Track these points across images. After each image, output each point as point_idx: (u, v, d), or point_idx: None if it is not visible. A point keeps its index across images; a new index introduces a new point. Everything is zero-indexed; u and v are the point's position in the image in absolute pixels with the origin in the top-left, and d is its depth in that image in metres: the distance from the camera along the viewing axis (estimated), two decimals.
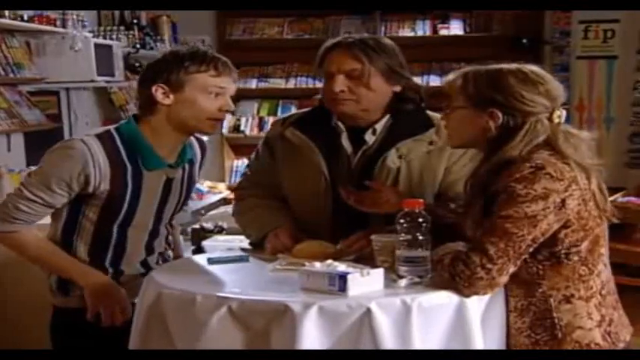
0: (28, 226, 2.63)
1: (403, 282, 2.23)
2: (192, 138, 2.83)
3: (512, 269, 2.20)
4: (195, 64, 2.62)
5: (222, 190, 6.53)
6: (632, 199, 5.92)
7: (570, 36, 6.95)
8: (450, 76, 2.45)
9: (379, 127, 2.78)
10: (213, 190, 6.54)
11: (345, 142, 2.80)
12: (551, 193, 2.17)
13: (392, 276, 2.26)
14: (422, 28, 7.07)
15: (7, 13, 4.80)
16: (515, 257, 2.19)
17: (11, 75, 4.98)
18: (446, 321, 2.15)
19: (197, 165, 2.93)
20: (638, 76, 6.76)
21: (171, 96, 2.62)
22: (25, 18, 5.02)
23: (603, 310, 2.32)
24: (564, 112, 2.34)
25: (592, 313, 2.29)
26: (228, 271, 2.50)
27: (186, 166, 2.83)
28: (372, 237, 2.45)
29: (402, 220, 2.26)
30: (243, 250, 2.87)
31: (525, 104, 2.29)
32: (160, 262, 2.86)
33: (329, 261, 2.28)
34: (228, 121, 7.13)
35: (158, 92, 2.62)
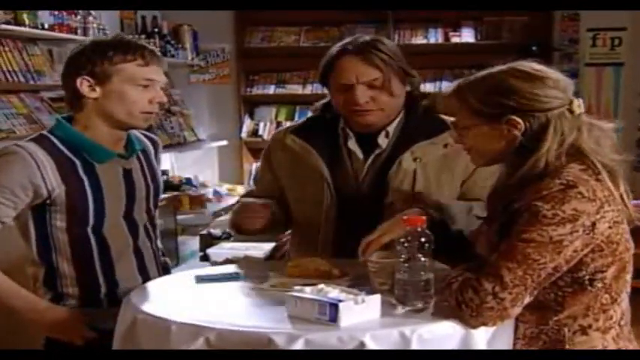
0: None
1: (403, 309, 1.82)
2: (136, 132, 2.46)
3: (527, 300, 1.78)
4: (120, 54, 2.25)
5: (241, 192, 6.17)
6: None
7: (578, 43, 6.61)
8: (444, 95, 2.03)
9: (391, 129, 2.47)
10: (231, 193, 6.30)
11: (354, 146, 2.47)
12: (581, 216, 1.74)
13: (391, 300, 1.85)
14: (434, 36, 6.68)
15: (27, 21, 4.49)
16: (533, 287, 1.77)
17: (31, 82, 4.66)
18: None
19: (152, 157, 2.53)
20: None
21: (98, 89, 2.25)
22: (46, 27, 4.69)
23: (620, 343, 1.89)
24: (582, 101, 1.90)
25: (608, 347, 1.87)
26: (214, 292, 2.09)
27: (141, 157, 2.45)
28: (369, 258, 2.04)
29: (402, 240, 1.85)
30: (248, 257, 2.47)
31: (540, 101, 1.86)
32: (160, 270, 2.46)
33: (321, 285, 1.85)
34: (247, 125, 6.82)
35: (83, 85, 2.25)
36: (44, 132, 2.34)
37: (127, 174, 2.37)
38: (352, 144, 2.46)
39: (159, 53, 2.36)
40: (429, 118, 2.47)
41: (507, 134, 1.88)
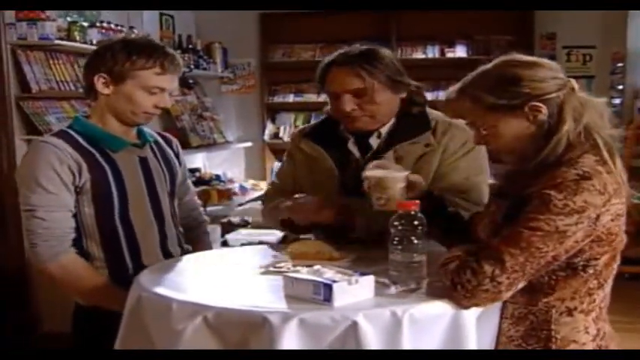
0: (67, 251, 1.99)
1: (396, 289, 1.57)
2: (151, 130, 2.25)
3: (520, 285, 1.51)
4: (142, 59, 2.01)
5: (264, 187, 5.97)
6: None
7: (555, 59, 6.25)
8: (449, 103, 1.71)
9: (384, 131, 2.18)
10: (255, 187, 6.10)
11: (353, 148, 2.20)
12: (589, 208, 1.47)
13: (385, 281, 1.60)
14: (432, 52, 6.42)
15: (77, 38, 4.30)
16: (530, 274, 1.50)
17: (81, 90, 4.44)
18: (440, 334, 1.48)
19: (168, 151, 2.28)
20: (611, 93, 6.22)
21: (111, 87, 2.02)
22: (94, 42, 4.48)
23: (600, 324, 1.64)
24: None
25: (589, 327, 1.61)
26: (217, 274, 1.84)
27: (154, 148, 2.21)
28: (365, 174, 1.81)
29: (396, 223, 1.59)
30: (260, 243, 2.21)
31: (549, 83, 1.58)
32: (180, 250, 2.22)
33: (317, 266, 1.60)
34: (269, 129, 6.62)
35: (99, 81, 2.02)
36: (63, 128, 2.12)
37: (144, 162, 2.14)
38: (351, 145, 2.20)
39: (180, 62, 2.10)
40: (418, 120, 2.18)
41: (534, 120, 1.59)
